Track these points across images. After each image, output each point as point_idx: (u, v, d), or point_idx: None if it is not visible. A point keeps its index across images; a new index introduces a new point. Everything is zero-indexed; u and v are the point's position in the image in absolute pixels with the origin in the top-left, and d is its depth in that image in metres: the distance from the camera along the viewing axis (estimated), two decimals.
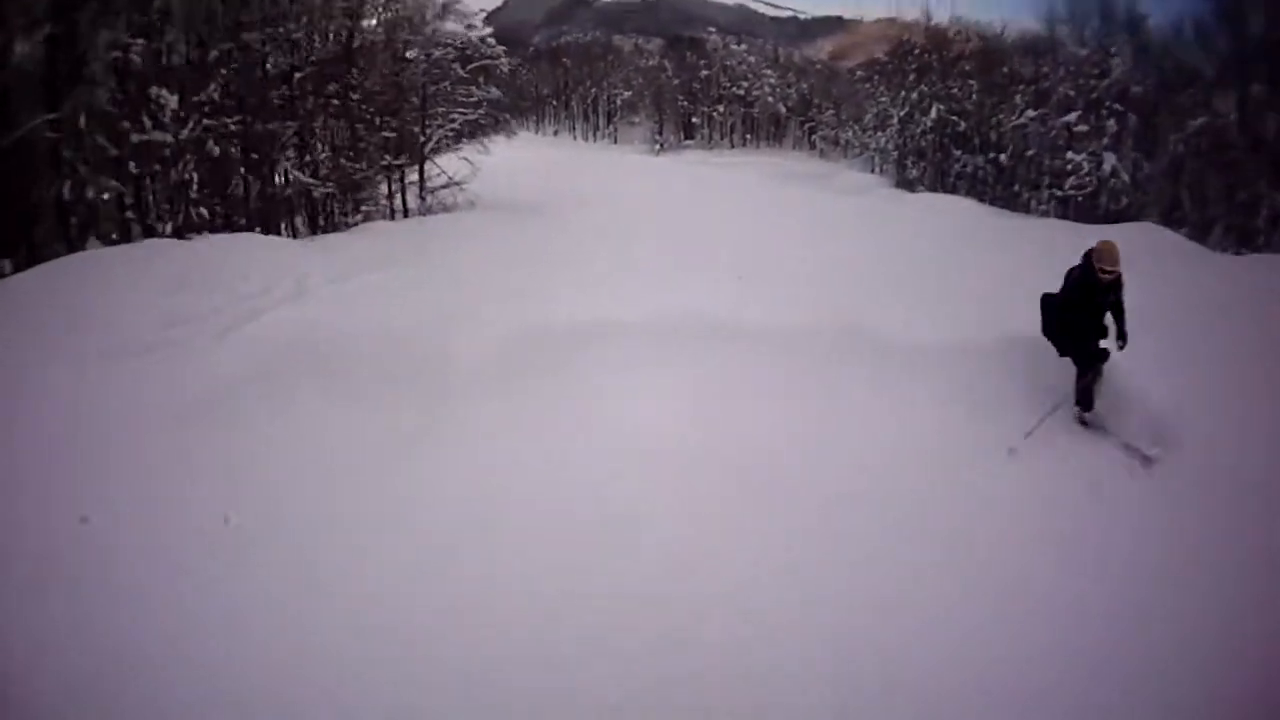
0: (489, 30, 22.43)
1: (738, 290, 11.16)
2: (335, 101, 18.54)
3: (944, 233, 18.43)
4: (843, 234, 17.43)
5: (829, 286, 11.55)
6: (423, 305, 10.55)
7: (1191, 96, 23.57)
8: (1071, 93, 24.08)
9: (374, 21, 20.43)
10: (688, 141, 42.24)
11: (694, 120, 42.52)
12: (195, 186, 14.84)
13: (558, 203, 20.51)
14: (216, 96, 15.36)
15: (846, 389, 7.94)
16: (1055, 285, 7.61)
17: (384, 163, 19.72)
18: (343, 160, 18.56)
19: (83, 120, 12.76)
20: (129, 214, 14.07)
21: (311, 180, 17.48)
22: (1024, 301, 8.26)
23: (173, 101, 13.97)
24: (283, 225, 17.29)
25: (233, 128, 15.66)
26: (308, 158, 17.92)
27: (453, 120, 21.12)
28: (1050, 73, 26.03)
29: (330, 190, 18.21)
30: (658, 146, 41.76)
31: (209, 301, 10.45)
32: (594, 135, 45.91)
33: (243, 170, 16.32)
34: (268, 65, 17.17)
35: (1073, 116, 23.46)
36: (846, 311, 9.99)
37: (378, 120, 19.45)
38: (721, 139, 42.60)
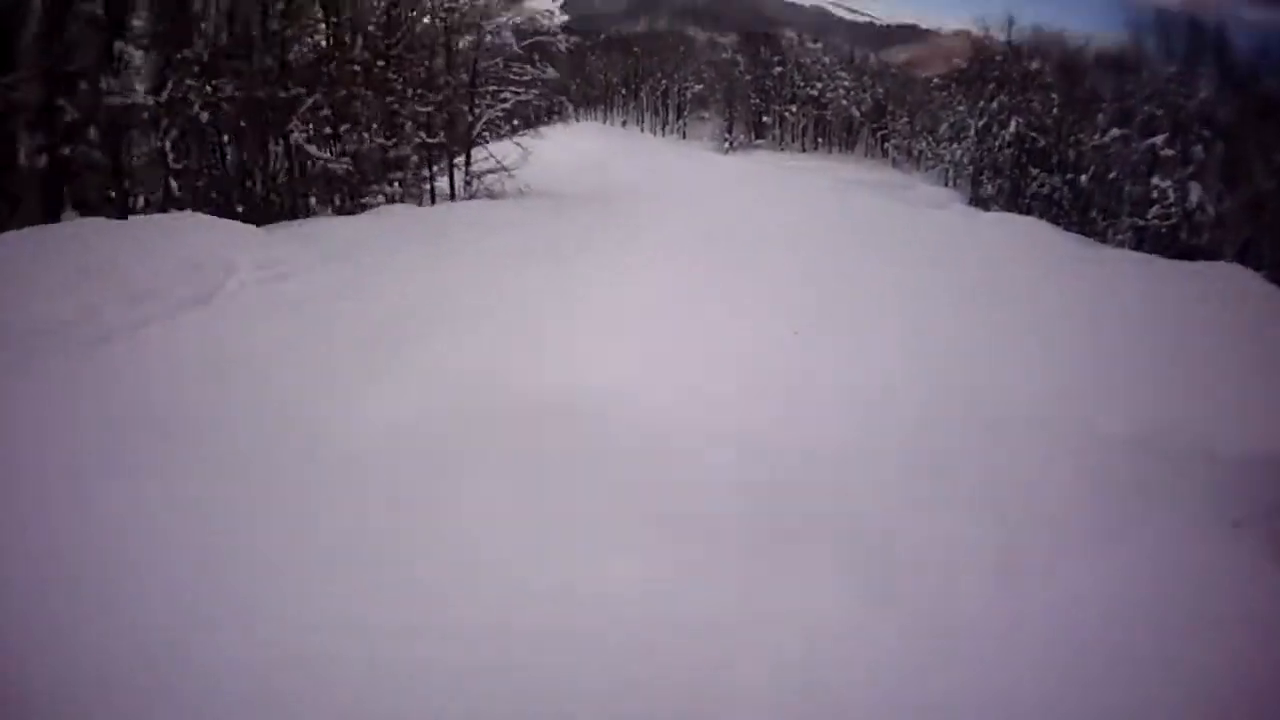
0: (560, 13, 22.15)
1: (800, 345, 10.04)
2: (363, 69, 17.53)
3: (1034, 260, 17.76)
4: (924, 256, 16.82)
5: (919, 330, 10.85)
6: (346, 328, 8.87)
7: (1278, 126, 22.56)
8: (1158, 112, 23.15)
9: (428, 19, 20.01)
10: (758, 141, 41.65)
11: (765, 119, 41.94)
12: (172, 157, 13.83)
13: (611, 199, 20.03)
14: (206, 56, 14.06)
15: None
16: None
17: (419, 140, 18.90)
18: (366, 135, 17.68)
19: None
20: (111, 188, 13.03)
21: (322, 155, 16.65)
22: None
23: (137, 58, 12.82)
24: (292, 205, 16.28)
25: (232, 93, 14.40)
26: (327, 130, 16.97)
27: (504, 100, 20.52)
28: (1135, 90, 25.03)
29: (346, 168, 17.21)
30: (727, 144, 41.27)
31: (87, 301, 8.79)
32: (663, 129, 45.46)
33: (229, 139, 15.14)
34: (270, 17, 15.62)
35: (1159, 139, 22.58)
36: (959, 370, 8.97)
37: (411, 93, 18.66)
38: (793, 141, 41.95)
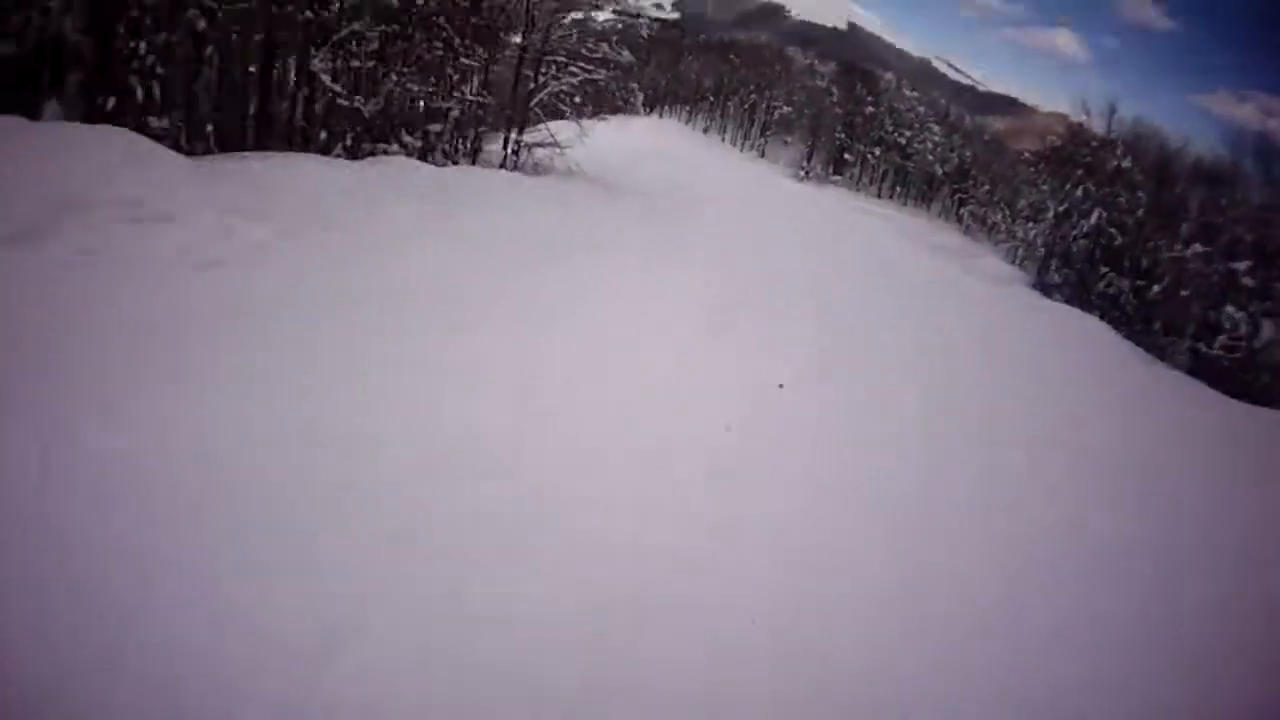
0: (671, 9, 21.38)
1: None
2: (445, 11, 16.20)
3: (1091, 369, 16.51)
4: (979, 339, 15.45)
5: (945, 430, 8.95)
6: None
7: None
8: (1247, 237, 21.90)
9: None
10: (835, 177, 40.74)
11: (846, 156, 41.04)
12: (153, 60, 12.10)
13: (660, 202, 18.86)
14: None
15: None
16: None
17: (460, 96, 17.65)
18: (397, 77, 16.05)
19: None
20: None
21: (335, 87, 14.86)
22: None
23: None
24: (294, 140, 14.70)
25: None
26: (356, 64, 15.41)
27: (573, 74, 19.53)
28: (1226, 208, 23.78)
29: (375, 107, 15.55)
30: (802, 173, 40.37)
31: None
32: (743, 143, 44.74)
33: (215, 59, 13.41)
34: None
35: (1242, 265, 21.31)
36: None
37: (460, 43, 17.17)
38: (870, 184, 41.05)
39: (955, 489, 7.26)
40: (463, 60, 16.98)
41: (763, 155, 43.46)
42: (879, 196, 40.52)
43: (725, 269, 13.61)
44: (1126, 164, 27.52)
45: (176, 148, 11.38)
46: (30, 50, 10.58)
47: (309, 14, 14.08)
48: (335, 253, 8.50)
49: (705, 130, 46.20)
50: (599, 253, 12.18)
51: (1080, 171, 28.52)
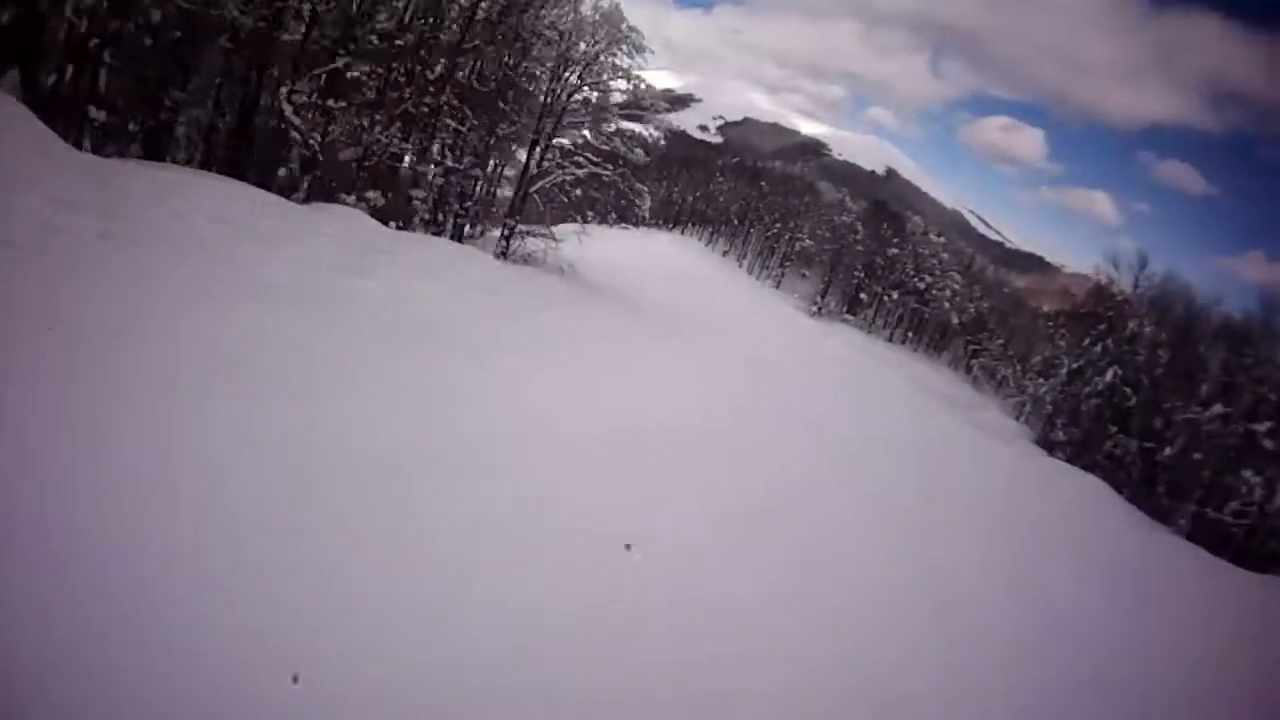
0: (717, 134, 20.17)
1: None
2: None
3: (1089, 533, 15.31)
4: (978, 497, 14.32)
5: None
6: None
7: None
8: (1271, 396, 19.36)
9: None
10: (848, 316, 38.90)
11: (862, 296, 39.24)
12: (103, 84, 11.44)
13: (649, 318, 17.41)
14: None
15: None
16: None
17: (445, 163, 16.58)
18: (379, 127, 14.90)
19: None
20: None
21: (295, 121, 13.50)
22: None
23: None
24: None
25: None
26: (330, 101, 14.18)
27: (578, 164, 18.03)
28: (1251, 367, 21.32)
29: (345, 154, 14.49)
30: (815, 308, 38.66)
31: None
32: (761, 271, 43.35)
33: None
34: None
35: (1263, 426, 18.69)
36: None
37: (452, 105, 16.31)
38: (883, 326, 39.09)
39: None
40: (448, 122, 15.92)
41: (778, 286, 41.97)
42: (890, 341, 38.56)
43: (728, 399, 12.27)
44: (1148, 329, 25.33)
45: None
46: None
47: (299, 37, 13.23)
48: None
49: (725, 254, 45.04)
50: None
51: (1102, 327, 26.42)
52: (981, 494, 15.05)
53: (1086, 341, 26.92)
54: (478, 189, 18.71)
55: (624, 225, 20.00)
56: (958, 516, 12.09)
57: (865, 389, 23.61)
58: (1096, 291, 29.72)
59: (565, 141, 18.55)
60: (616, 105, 18.78)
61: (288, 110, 13.28)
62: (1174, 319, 25.35)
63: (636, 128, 24.70)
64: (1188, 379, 22.90)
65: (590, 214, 19.15)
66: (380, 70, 14.91)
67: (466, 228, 18.28)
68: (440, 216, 17.23)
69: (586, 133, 18.77)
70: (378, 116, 14.79)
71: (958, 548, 10.23)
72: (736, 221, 45.46)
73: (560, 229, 17.67)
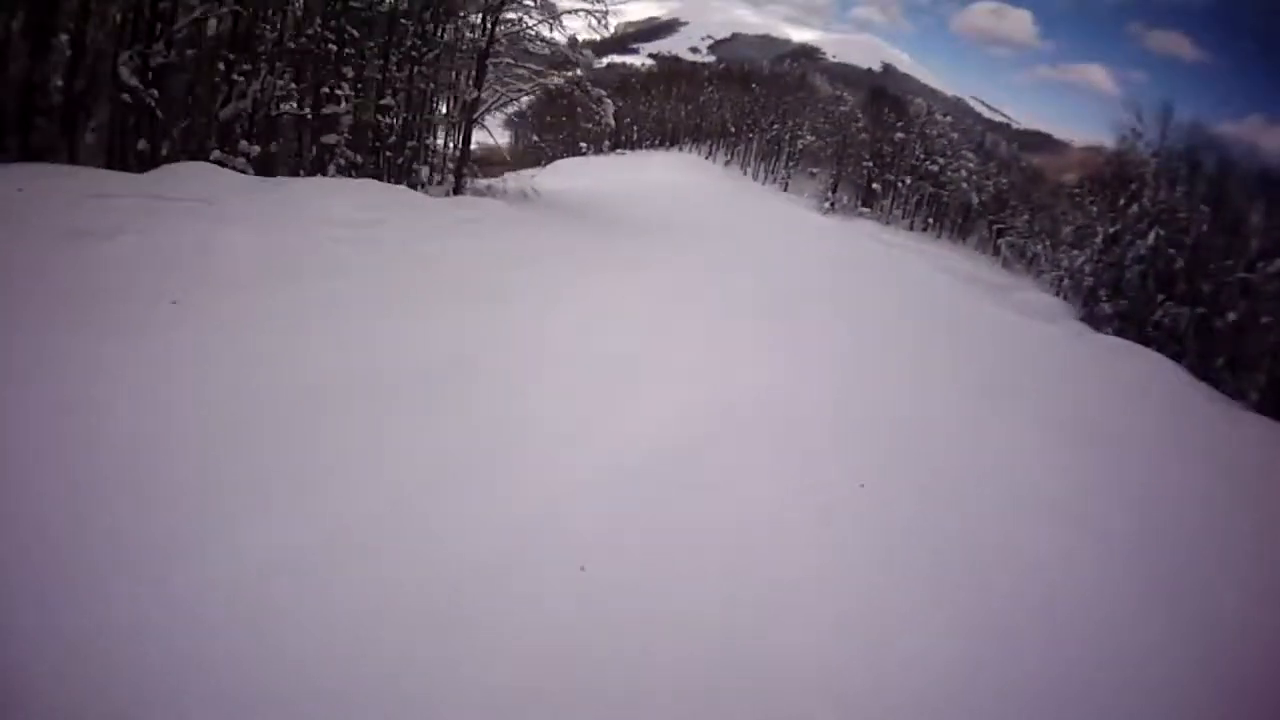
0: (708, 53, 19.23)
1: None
2: None
3: (1162, 418, 14.10)
4: (1029, 386, 13.28)
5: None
6: None
7: None
8: None
9: None
10: (863, 209, 38.24)
11: (875, 187, 38.63)
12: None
13: (632, 231, 16.61)
14: None
15: None
16: None
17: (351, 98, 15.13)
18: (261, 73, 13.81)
19: None
20: None
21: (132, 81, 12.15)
22: None
23: None
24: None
25: None
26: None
27: (520, 76, 17.09)
28: None
29: (224, 112, 13.31)
30: (828, 205, 38.06)
31: None
32: (766, 176, 42.64)
33: None
34: None
35: None
36: None
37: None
38: (902, 216, 38.53)
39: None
40: (346, 53, 14.73)
41: (785, 188, 41.31)
42: (911, 229, 38.04)
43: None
44: (1183, 183, 24.84)
45: None
46: None
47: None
48: None
49: (727, 164, 44.26)
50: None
51: (1134, 186, 25.83)
52: (1046, 388, 13.99)
53: (1121, 203, 26.39)
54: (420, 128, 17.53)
55: (620, 151, 19.70)
56: (1025, 417, 10.79)
57: (891, 283, 22.94)
58: (1119, 156, 29.20)
59: (509, 59, 17.60)
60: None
61: (124, 74, 12.04)
62: (1207, 173, 24.94)
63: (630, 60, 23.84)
64: (1234, 236, 22.73)
65: (558, 140, 18.36)
66: (242, 10, 13.81)
67: (427, 171, 17.38)
68: (377, 161, 16.23)
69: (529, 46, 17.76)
70: (246, 66, 13.84)
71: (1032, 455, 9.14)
72: (734, 130, 44.49)
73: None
